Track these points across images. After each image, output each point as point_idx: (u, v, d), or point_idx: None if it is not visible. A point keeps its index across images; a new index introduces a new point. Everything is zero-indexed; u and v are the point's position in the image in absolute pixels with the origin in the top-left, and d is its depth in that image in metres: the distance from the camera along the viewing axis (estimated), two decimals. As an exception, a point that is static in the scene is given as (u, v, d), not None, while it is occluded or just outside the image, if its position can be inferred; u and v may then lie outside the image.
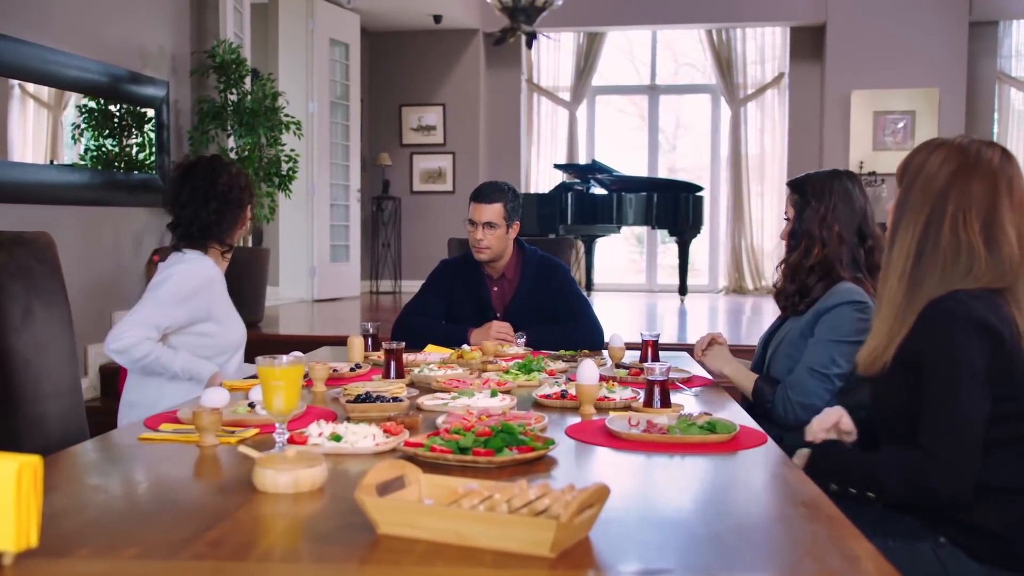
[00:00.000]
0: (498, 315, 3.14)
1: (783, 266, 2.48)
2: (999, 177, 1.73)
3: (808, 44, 9.30)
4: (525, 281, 3.15)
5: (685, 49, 10.40)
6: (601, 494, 1.16)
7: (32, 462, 1.04)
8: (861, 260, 2.38)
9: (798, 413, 2.25)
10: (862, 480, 1.72)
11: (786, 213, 2.50)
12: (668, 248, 9.71)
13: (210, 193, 2.68)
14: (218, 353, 2.73)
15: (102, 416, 4.86)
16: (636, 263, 10.58)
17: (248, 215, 2.78)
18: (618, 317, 7.11)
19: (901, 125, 8.84)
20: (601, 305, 7.90)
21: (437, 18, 9.03)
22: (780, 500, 1.36)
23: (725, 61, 9.58)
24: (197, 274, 2.67)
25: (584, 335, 3.05)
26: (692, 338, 5.80)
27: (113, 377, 5.27)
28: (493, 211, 3.08)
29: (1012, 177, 1.74)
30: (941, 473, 1.61)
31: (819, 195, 2.38)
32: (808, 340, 2.35)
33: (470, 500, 1.18)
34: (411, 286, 9.25)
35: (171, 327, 2.65)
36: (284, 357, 1.55)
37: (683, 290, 8.32)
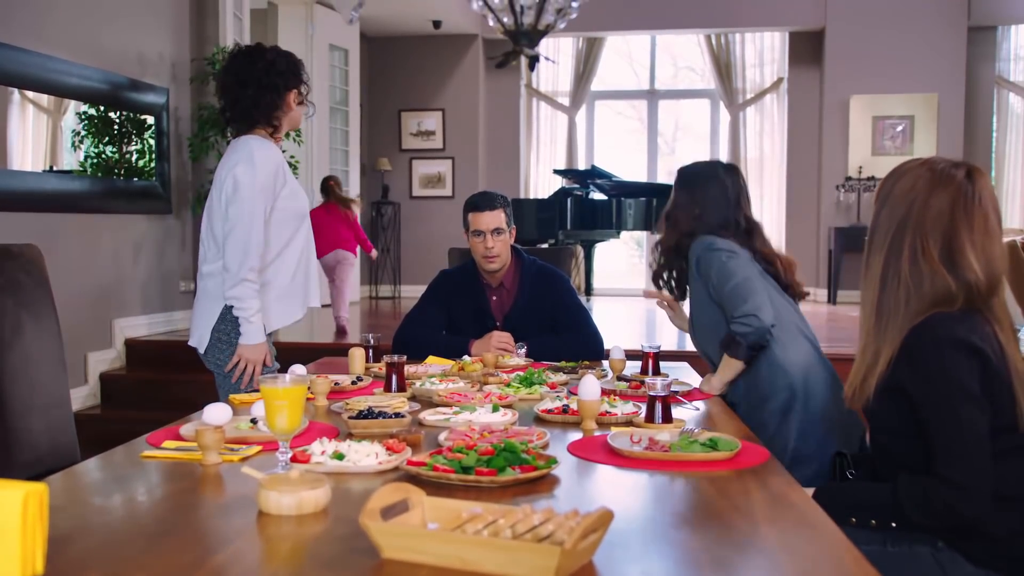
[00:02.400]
0: (498, 324, 3.14)
1: (657, 247, 2.78)
2: (958, 196, 1.73)
3: (807, 49, 9.31)
4: (524, 290, 3.15)
5: (684, 53, 10.42)
6: (605, 519, 1.16)
7: (38, 490, 1.04)
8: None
9: (762, 319, 2.43)
10: (881, 512, 1.73)
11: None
12: (667, 252, 9.71)
13: (247, 79, 2.74)
14: (293, 217, 2.79)
15: (102, 424, 4.88)
16: (636, 267, 10.59)
17: (293, 99, 2.81)
18: (618, 323, 7.12)
19: (900, 129, 8.85)
20: (600, 310, 7.90)
21: (436, 23, 9.04)
22: (783, 522, 1.37)
23: (724, 66, 9.60)
24: (267, 161, 2.72)
25: (584, 345, 3.06)
26: (692, 345, 5.81)
27: (113, 384, 5.28)
28: (498, 217, 3.09)
29: (972, 197, 1.74)
30: (962, 498, 1.63)
31: (691, 184, 2.70)
32: (701, 298, 2.63)
33: (474, 525, 1.18)
34: (410, 291, 9.26)
35: (266, 214, 2.71)
36: (287, 375, 1.56)
37: (683, 294, 8.32)
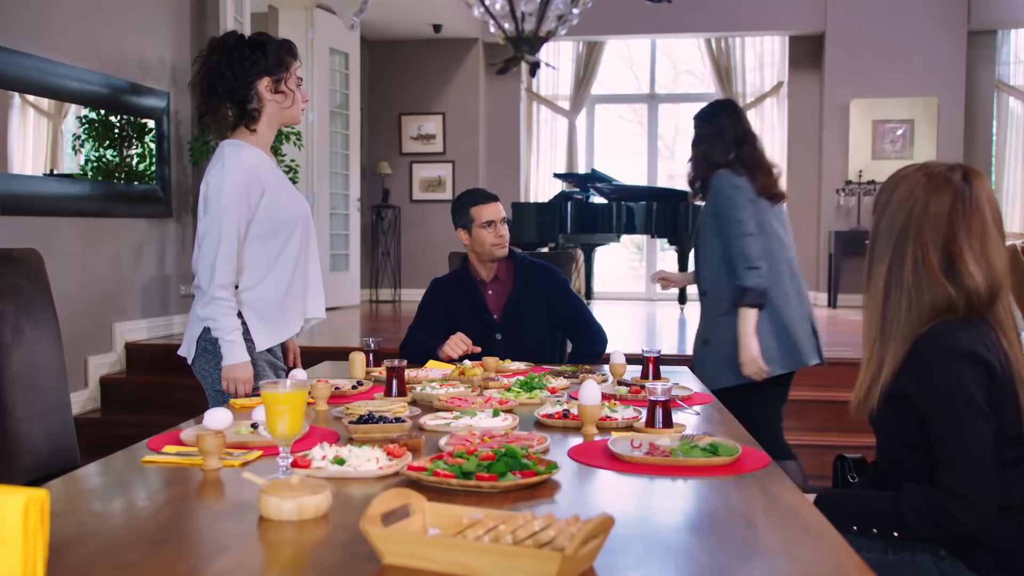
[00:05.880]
0: (496, 317, 3.22)
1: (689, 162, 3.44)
2: (956, 200, 1.73)
3: (807, 53, 9.31)
4: (519, 282, 3.24)
5: (684, 57, 10.42)
6: (606, 525, 1.16)
7: (39, 496, 1.04)
8: (741, 157, 3.30)
9: (756, 268, 3.09)
10: (883, 522, 1.73)
11: None
12: (668, 255, 9.72)
13: (211, 79, 2.55)
14: (280, 228, 2.60)
15: (102, 427, 4.88)
16: (636, 271, 10.58)
17: (266, 88, 2.54)
18: (618, 327, 7.10)
19: (900, 133, 8.85)
20: (601, 313, 7.85)
21: (437, 27, 9.05)
22: (784, 528, 1.37)
23: (724, 69, 9.60)
24: (237, 168, 2.50)
25: (599, 340, 3.32)
26: (692, 349, 5.79)
27: (113, 388, 5.27)
28: (500, 208, 3.27)
29: (970, 200, 1.73)
30: (966, 510, 1.63)
31: (708, 118, 3.51)
32: (709, 227, 3.22)
33: (475, 531, 1.18)
34: (411, 294, 9.26)
35: (241, 227, 2.52)
36: (288, 380, 1.56)
37: (682, 299, 8.33)
